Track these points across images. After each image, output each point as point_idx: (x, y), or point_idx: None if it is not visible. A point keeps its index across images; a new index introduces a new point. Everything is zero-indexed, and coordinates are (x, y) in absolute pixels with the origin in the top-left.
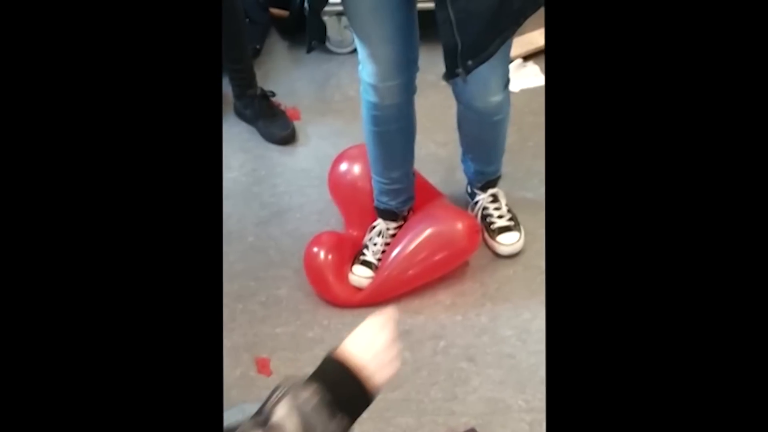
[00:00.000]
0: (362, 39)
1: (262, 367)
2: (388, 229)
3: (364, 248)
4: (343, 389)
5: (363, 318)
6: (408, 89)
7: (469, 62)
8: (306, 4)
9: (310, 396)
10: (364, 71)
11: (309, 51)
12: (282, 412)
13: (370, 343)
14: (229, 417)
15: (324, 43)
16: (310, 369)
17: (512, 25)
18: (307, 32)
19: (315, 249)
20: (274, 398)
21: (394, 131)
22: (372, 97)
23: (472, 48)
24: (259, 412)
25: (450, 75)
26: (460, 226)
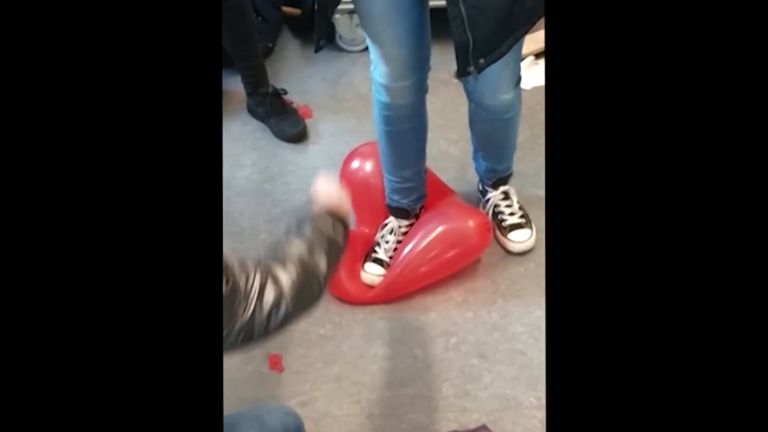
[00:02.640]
0: (375, 40)
1: (274, 363)
2: (400, 227)
3: (375, 246)
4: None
5: (374, 315)
6: (420, 89)
7: (481, 60)
8: (315, 3)
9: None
10: (377, 71)
11: (317, 50)
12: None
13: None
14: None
15: (332, 42)
16: (321, 365)
17: (525, 24)
18: (315, 31)
19: None
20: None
21: (407, 131)
22: (384, 98)
23: (484, 46)
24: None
25: (462, 73)
26: (471, 223)
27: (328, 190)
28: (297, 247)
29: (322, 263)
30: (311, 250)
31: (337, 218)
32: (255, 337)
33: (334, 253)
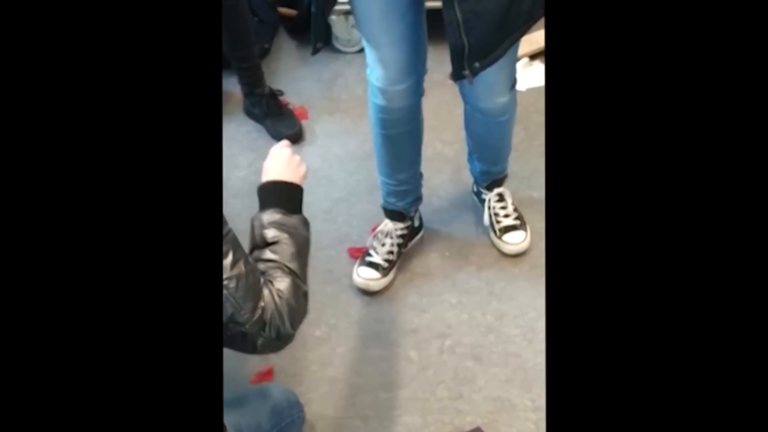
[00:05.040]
0: (371, 43)
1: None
2: (396, 229)
3: (370, 249)
4: (289, 200)
5: (369, 317)
6: (416, 92)
7: (476, 64)
8: (312, 7)
9: (277, 215)
10: (373, 75)
11: (314, 53)
12: (272, 232)
13: (281, 166)
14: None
15: (329, 44)
16: (316, 368)
17: (521, 28)
18: (312, 34)
19: None
20: (257, 228)
21: (403, 134)
22: (380, 101)
23: (480, 50)
24: (253, 244)
25: (456, 77)
26: None
27: (278, 160)
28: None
29: (300, 270)
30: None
31: (293, 189)
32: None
33: (303, 249)
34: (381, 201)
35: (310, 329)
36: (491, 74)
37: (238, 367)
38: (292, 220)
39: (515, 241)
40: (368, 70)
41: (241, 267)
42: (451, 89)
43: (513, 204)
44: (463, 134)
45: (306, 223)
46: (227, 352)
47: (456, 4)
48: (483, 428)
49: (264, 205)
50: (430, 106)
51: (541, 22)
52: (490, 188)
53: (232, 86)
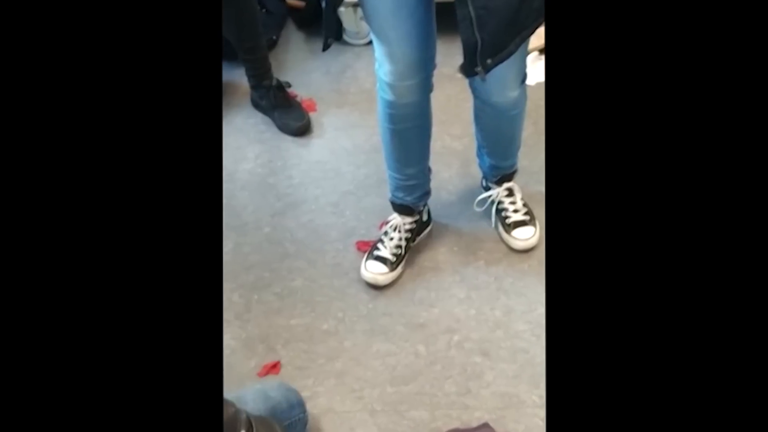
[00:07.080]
0: (380, 38)
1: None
2: (404, 224)
3: (378, 243)
4: None
5: (377, 311)
6: (425, 87)
7: (489, 61)
8: (322, 2)
9: None
10: (381, 70)
11: (325, 49)
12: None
13: None
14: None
15: (340, 40)
16: (324, 361)
17: (532, 24)
18: (323, 30)
19: None
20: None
21: (411, 129)
22: (389, 96)
23: (492, 46)
24: None
25: (468, 73)
26: None
27: None
28: None
29: None
30: None
31: None
32: None
33: None
34: (389, 195)
35: (317, 323)
36: (502, 69)
37: (243, 359)
38: None
39: (524, 236)
40: (376, 65)
41: None
42: (460, 83)
43: (522, 199)
44: (471, 128)
45: None
46: (232, 347)
47: (469, 1)
48: (490, 424)
49: None
50: (438, 100)
51: None
52: (499, 183)
53: (239, 78)
